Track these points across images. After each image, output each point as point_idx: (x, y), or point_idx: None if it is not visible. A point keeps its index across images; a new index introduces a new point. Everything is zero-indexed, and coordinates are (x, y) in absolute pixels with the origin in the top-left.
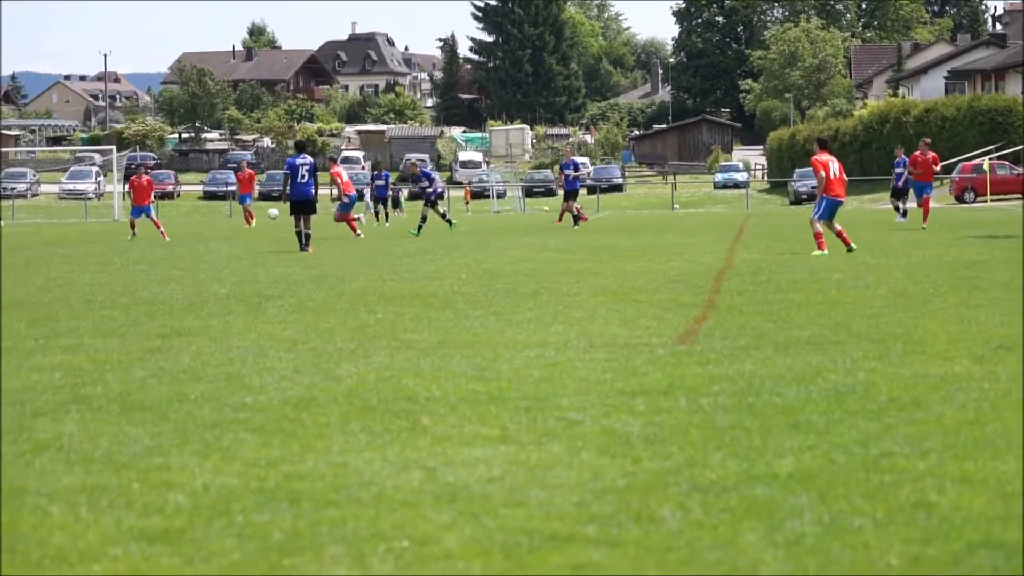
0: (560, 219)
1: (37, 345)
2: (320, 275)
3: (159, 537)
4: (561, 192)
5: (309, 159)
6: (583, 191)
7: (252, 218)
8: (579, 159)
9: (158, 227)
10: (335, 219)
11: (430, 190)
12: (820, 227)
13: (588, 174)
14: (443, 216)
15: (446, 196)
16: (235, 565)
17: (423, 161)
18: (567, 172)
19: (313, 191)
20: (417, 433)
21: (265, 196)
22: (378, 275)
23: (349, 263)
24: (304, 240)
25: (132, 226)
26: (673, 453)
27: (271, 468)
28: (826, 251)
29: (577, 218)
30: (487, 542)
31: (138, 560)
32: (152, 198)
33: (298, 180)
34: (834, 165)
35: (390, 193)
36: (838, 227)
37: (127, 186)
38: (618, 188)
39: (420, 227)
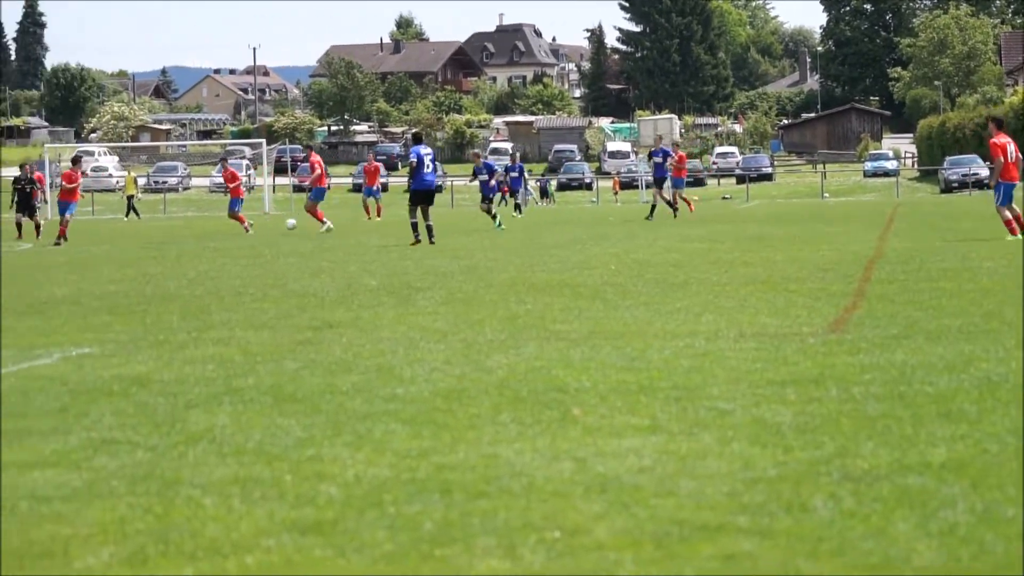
0: (691, 207)
1: (189, 338)
2: (469, 266)
3: (311, 528)
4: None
5: (430, 149)
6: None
7: (380, 212)
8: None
9: (241, 221)
10: (306, 208)
11: (492, 183)
12: (1008, 213)
13: (735, 163)
14: (492, 215)
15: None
16: (387, 556)
17: (478, 154)
18: (655, 159)
19: (437, 182)
20: (567, 423)
21: None
22: (527, 265)
23: (498, 254)
24: (429, 233)
25: (241, 220)
26: (824, 442)
27: (422, 459)
28: (1019, 236)
29: (654, 206)
30: (638, 532)
31: (291, 551)
32: (242, 191)
33: (424, 170)
34: (1011, 147)
35: (537, 183)
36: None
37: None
38: (767, 177)
39: (498, 221)
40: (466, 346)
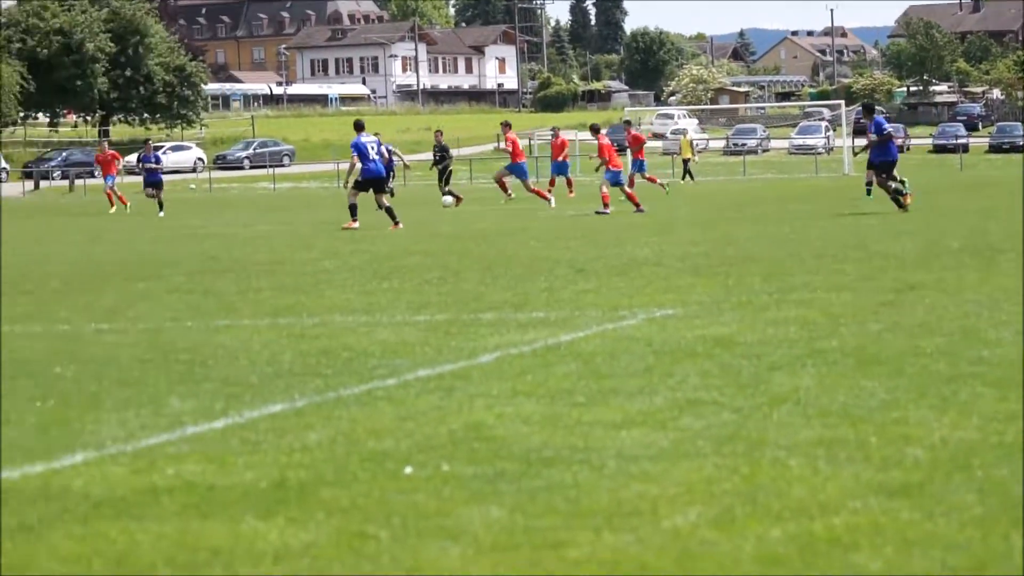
0: None
1: (771, 299)
2: None
3: (898, 491)
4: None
5: None
6: None
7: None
8: None
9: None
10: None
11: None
12: None
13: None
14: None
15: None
16: (976, 520)
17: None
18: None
19: None
20: None
21: (995, 148)
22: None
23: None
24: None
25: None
26: None
27: (1010, 423)
28: None
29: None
30: None
31: (877, 514)
32: (564, 156)
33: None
34: None
35: None
36: None
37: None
38: None
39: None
40: None
